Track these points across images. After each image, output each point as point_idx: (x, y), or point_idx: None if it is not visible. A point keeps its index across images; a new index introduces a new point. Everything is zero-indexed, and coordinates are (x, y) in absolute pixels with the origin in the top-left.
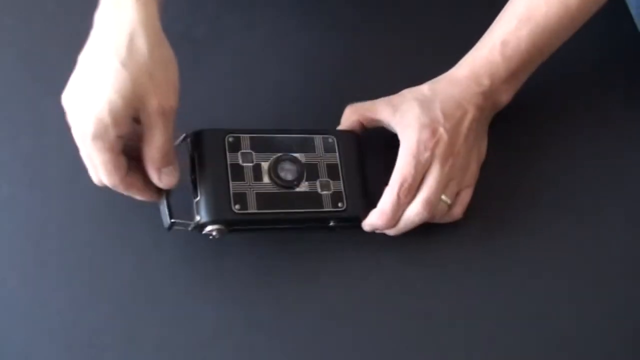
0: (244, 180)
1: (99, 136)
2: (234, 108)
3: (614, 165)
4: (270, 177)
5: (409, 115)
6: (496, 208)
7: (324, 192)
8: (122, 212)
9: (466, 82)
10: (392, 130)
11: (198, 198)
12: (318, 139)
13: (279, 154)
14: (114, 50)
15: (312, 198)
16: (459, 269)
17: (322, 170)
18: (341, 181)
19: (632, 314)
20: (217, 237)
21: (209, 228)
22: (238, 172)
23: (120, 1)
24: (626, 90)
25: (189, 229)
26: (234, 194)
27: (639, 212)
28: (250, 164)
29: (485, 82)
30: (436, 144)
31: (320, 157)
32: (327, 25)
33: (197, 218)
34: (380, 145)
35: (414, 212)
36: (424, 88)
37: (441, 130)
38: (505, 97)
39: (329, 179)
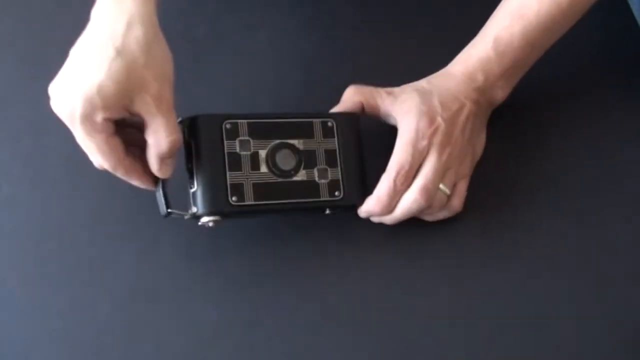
0: (241, 170)
1: (87, 117)
2: (234, 108)
3: (613, 164)
4: (268, 166)
5: (408, 103)
6: (496, 207)
7: (322, 181)
8: (122, 212)
9: (461, 78)
10: (388, 122)
11: (195, 189)
12: (317, 124)
13: (277, 142)
14: (110, 37)
15: (310, 187)
16: (459, 269)
17: (320, 157)
18: (339, 168)
19: (632, 313)
20: (213, 227)
21: (205, 219)
22: (235, 161)
23: None
24: (626, 87)
25: (185, 217)
26: (231, 184)
27: (638, 210)
28: (248, 153)
29: (480, 77)
30: (434, 132)
31: (319, 143)
32: (327, 25)
33: (194, 209)
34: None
35: (410, 200)
36: (422, 82)
37: (439, 119)
38: (501, 94)
39: (326, 167)
